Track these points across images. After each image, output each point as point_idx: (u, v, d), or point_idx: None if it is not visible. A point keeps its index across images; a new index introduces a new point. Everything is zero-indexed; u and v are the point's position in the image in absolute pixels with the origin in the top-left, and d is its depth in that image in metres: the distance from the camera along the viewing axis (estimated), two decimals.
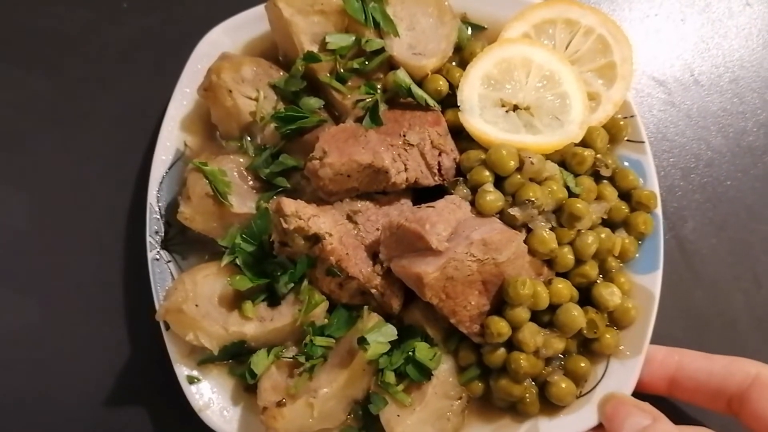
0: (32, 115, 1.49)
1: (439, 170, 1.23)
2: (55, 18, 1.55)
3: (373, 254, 1.20)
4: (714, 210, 1.40)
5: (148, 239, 1.27)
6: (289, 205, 1.14)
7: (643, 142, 1.28)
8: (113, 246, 1.41)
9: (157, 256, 1.27)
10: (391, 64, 1.29)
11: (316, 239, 1.15)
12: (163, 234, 1.29)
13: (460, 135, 1.26)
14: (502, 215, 1.19)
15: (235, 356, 1.22)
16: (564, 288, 1.18)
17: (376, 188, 1.22)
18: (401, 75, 1.24)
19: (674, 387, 1.16)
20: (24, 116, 1.49)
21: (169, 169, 1.31)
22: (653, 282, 1.22)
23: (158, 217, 1.29)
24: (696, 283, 1.36)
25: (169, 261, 1.28)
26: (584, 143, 1.24)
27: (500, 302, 1.16)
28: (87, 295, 1.39)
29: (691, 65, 1.50)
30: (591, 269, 1.20)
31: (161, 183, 1.31)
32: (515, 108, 1.25)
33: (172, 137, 1.33)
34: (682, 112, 1.47)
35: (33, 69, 1.52)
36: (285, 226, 1.14)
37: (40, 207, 1.44)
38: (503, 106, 1.25)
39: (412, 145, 1.21)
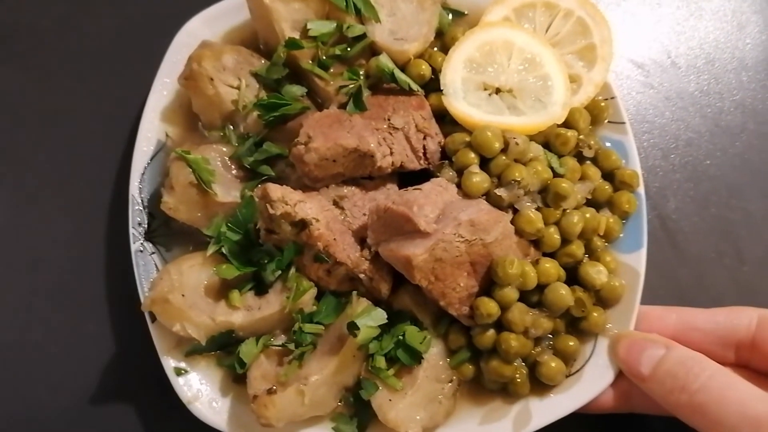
0: (8, 110, 1.47)
1: (425, 154, 1.24)
2: (29, 11, 1.53)
3: (361, 239, 1.20)
4: (695, 189, 1.43)
5: (131, 231, 1.26)
6: (275, 190, 1.14)
7: (624, 122, 1.30)
8: (95, 239, 1.39)
9: (141, 248, 1.26)
10: (373, 50, 1.29)
11: (303, 225, 1.15)
12: (146, 225, 1.28)
13: (444, 119, 1.27)
14: (489, 196, 1.19)
15: (223, 346, 1.21)
16: (551, 267, 1.18)
17: (361, 173, 1.22)
18: (384, 60, 1.24)
19: (678, 342, 1.14)
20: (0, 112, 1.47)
21: (150, 160, 1.30)
22: (638, 260, 1.23)
23: (141, 208, 1.28)
24: (680, 260, 1.38)
25: (152, 252, 1.26)
26: (567, 124, 1.26)
27: (489, 283, 1.17)
28: (70, 289, 1.37)
29: (668, 47, 1.53)
30: (577, 248, 1.21)
31: (143, 174, 1.29)
32: (498, 91, 1.25)
33: (153, 128, 1.31)
34: (661, 94, 1.49)
35: (8, 63, 1.50)
36: (271, 211, 1.13)
37: (19, 202, 1.42)
38: (486, 89, 1.25)
39: (397, 129, 1.22)
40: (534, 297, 1.18)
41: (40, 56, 1.50)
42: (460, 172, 1.21)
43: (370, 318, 1.14)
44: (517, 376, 1.18)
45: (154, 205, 1.27)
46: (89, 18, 1.52)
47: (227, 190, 1.24)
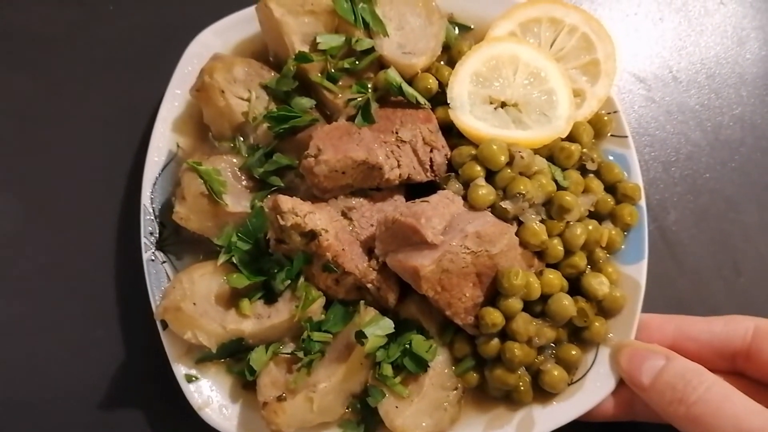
0: (20, 117, 1.48)
1: (431, 166, 1.26)
2: (41, 19, 1.54)
3: (369, 250, 1.22)
4: (695, 201, 1.45)
5: (143, 240, 1.28)
6: (286, 202, 1.16)
7: (626, 136, 1.32)
8: (107, 248, 1.40)
9: (152, 257, 1.27)
10: (382, 64, 1.31)
11: (312, 236, 1.17)
12: (157, 235, 1.29)
13: (451, 132, 1.29)
14: (494, 209, 1.22)
15: (233, 354, 1.23)
16: (555, 278, 1.21)
17: (369, 185, 1.25)
18: (392, 74, 1.26)
19: (676, 350, 1.17)
20: (11, 119, 1.49)
21: (162, 170, 1.32)
22: (639, 272, 1.26)
23: (152, 218, 1.30)
24: (679, 272, 1.41)
25: (164, 261, 1.28)
26: (571, 138, 1.28)
27: (493, 294, 1.19)
28: (82, 297, 1.38)
29: (670, 62, 1.55)
30: (580, 260, 1.23)
31: (154, 184, 1.31)
32: (503, 104, 1.28)
33: (164, 138, 1.33)
34: (662, 108, 1.52)
35: (20, 71, 1.51)
36: (282, 223, 1.15)
37: (31, 210, 1.43)
38: (492, 102, 1.28)
39: (405, 142, 1.24)
40: (537, 307, 1.21)
41: (51, 65, 1.52)
42: (467, 184, 1.23)
43: (377, 327, 1.17)
44: (521, 384, 1.20)
45: (165, 214, 1.29)
46: (101, 27, 1.54)
47: (237, 201, 1.26)
